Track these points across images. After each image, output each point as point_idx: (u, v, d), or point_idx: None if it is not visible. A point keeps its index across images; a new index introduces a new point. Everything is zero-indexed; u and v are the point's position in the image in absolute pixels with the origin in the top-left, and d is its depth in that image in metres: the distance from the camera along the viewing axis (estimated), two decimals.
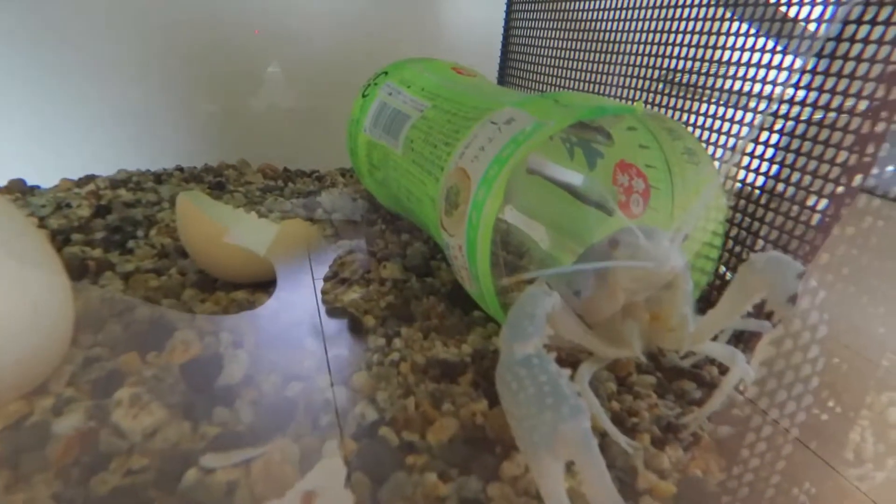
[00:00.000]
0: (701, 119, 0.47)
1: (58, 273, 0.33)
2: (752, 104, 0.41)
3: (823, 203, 0.35)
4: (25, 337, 0.30)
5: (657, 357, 0.39)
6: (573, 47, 0.65)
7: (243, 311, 0.44)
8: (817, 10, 0.37)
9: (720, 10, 0.45)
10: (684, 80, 0.48)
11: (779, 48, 0.40)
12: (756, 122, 0.40)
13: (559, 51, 0.68)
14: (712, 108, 0.45)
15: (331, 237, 0.59)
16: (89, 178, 0.69)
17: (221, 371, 0.36)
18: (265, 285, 0.48)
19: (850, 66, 0.34)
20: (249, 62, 0.79)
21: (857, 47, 0.33)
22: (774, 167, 0.39)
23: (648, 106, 0.54)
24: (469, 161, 0.39)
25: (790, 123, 0.38)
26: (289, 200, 0.68)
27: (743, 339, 0.40)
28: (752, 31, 0.42)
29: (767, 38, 0.41)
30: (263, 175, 0.76)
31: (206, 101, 0.78)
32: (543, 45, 0.72)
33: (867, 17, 0.33)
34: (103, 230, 0.56)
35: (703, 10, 0.47)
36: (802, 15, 0.38)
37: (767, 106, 0.40)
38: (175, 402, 0.33)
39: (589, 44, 0.63)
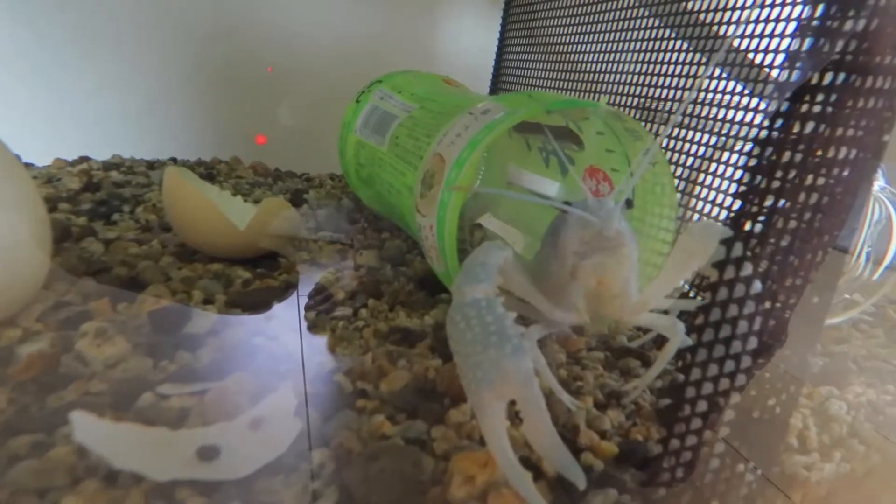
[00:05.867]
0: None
1: (37, 206, 0.35)
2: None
3: None
4: None
5: (607, 340, 0.40)
6: (563, 68, 0.69)
7: (219, 279, 0.45)
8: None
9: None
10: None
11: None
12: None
13: (549, 72, 0.72)
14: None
15: (312, 229, 0.61)
16: (83, 159, 0.71)
17: (189, 321, 0.37)
18: (242, 261, 0.49)
19: None
20: (253, 68, 0.82)
21: None
22: None
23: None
24: (446, 147, 0.42)
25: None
26: (276, 196, 0.70)
27: None
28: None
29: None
30: (254, 172, 0.78)
31: (207, 101, 0.81)
32: (534, 63, 0.76)
33: None
34: (90, 202, 0.58)
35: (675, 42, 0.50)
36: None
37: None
38: (140, 342, 0.34)
39: (579, 65, 0.66)
